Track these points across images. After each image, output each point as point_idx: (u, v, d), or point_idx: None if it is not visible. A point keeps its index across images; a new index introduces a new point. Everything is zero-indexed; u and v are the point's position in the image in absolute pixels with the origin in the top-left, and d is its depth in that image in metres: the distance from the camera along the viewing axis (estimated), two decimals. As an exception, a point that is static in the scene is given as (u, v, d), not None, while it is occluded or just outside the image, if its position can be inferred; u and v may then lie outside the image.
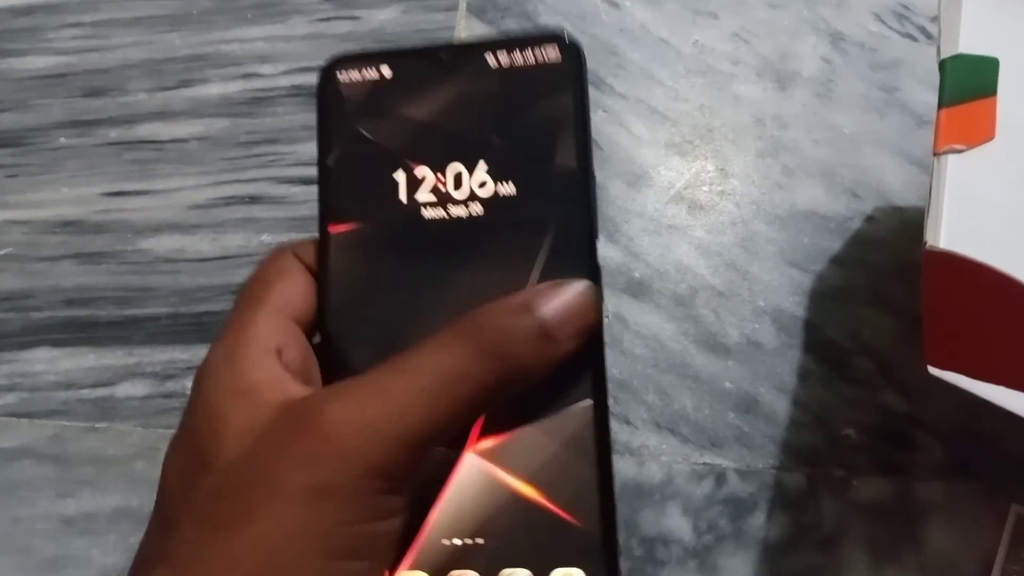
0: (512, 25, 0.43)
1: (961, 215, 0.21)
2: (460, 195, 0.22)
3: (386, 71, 0.24)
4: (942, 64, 0.23)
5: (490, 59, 0.23)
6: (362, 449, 0.18)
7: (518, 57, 0.23)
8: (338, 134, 0.24)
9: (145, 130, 0.44)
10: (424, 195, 0.23)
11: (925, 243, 0.21)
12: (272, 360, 0.20)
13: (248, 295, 0.22)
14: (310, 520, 0.18)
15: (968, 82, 0.22)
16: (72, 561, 0.37)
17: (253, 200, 0.42)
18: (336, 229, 0.23)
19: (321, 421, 0.18)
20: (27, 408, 0.39)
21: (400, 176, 0.23)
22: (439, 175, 0.23)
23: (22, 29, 0.46)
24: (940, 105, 0.22)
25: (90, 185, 0.43)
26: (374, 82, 0.24)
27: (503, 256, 0.22)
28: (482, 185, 0.22)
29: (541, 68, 0.23)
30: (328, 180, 0.23)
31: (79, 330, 0.40)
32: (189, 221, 0.42)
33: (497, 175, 0.22)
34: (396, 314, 0.22)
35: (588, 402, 0.21)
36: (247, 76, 0.44)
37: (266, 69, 0.44)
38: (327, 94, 0.24)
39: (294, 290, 0.22)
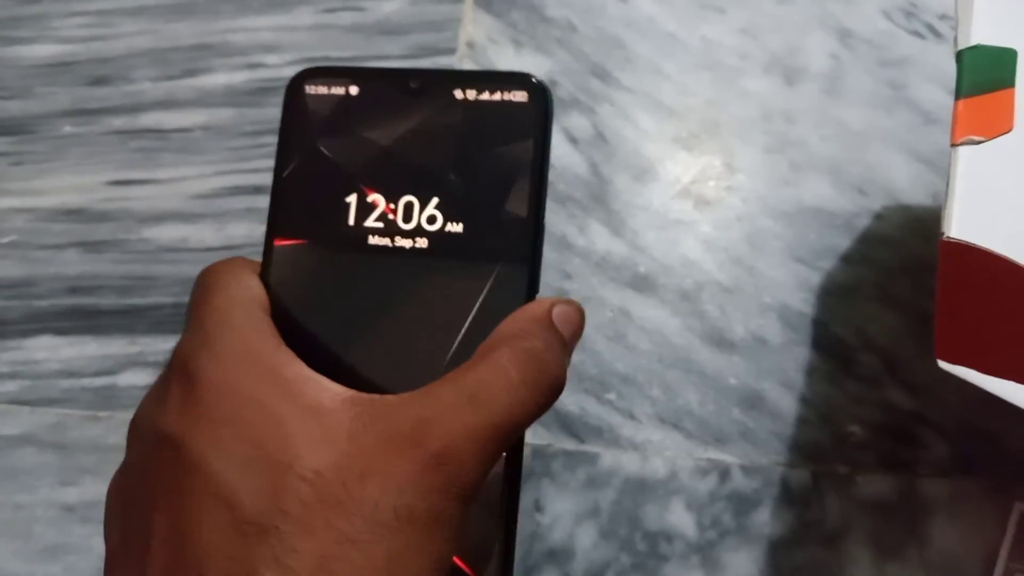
0: (519, 17, 0.43)
1: (977, 206, 0.21)
2: (408, 227, 0.22)
3: (354, 90, 0.23)
4: (959, 55, 0.22)
5: (458, 93, 0.23)
6: (463, 468, 0.18)
7: (485, 95, 0.23)
8: (298, 147, 0.23)
9: (150, 119, 0.44)
10: (372, 222, 0.23)
11: (942, 233, 0.21)
12: (289, 351, 0.20)
13: (219, 294, 0.21)
14: (421, 546, 0.17)
15: (986, 73, 0.22)
16: (72, 549, 0.37)
17: (257, 190, 0.42)
18: (280, 243, 0.23)
19: (429, 439, 0.18)
20: (29, 396, 0.39)
21: (352, 199, 0.23)
22: (390, 204, 0.23)
23: (28, 17, 0.46)
24: (957, 96, 0.22)
25: (94, 173, 0.43)
26: (340, 99, 0.23)
27: (440, 293, 0.22)
28: (431, 220, 0.22)
29: (507, 108, 0.23)
30: (280, 192, 0.23)
31: (82, 318, 0.40)
32: (193, 211, 0.42)
33: (447, 213, 0.22)
34: (329, 334, 0.22)
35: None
36: (252, 66, 0.44)
37: (271, 59, 0.44)
38: (292, 105, 0.24)
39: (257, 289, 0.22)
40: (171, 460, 0.18)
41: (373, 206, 0.23)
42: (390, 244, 0.22)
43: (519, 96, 0.23)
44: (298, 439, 0.18)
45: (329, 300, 0.23)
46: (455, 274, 0.22)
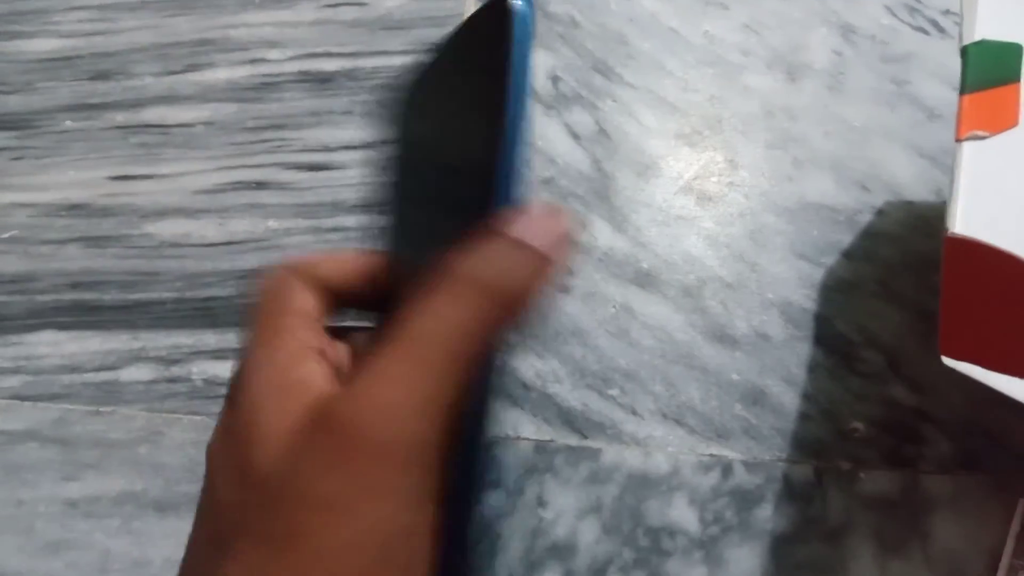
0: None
1: (982, 202, 0.21)
2: None
3: None
4: (964, 50, 0.22)
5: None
6: (389, 443, 0.18)
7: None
8: None
9: (151, 114, 0.44)
10: None
11: (946, 229, 0.21)
12: (314, 358, 0.20)
13: (266, 308, 0.21)
14: (361, 527, 0.17)
15: (991, 68, 0.22)
16: (75, 544, 0.37)
17: (260, 186, 0.42)
18: None
19: (342, 422, 0.18)
20: (31, 391, 0.39)
21: None
22: None
23: (29, 11, 0.46)
24: (962, 91, 0.22)
25: (96, 168, 0.43)
26: None
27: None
28: None
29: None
30: None
31: (84, 313, 0.40)
32: (195, 206, 0.42)
33: None
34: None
35: None
36: (254, 61, 0.44)
37: (273, 54, 0.44)
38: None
39: (310, 300, 0.22)
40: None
41: None
42: None
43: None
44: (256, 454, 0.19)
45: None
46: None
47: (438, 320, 0.18)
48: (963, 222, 0.22)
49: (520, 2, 0.21)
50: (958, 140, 0.22)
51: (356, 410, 0.18)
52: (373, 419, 0.18)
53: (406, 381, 0.18)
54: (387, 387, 0.18)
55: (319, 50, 0.44)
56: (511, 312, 0.19)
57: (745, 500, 0.35)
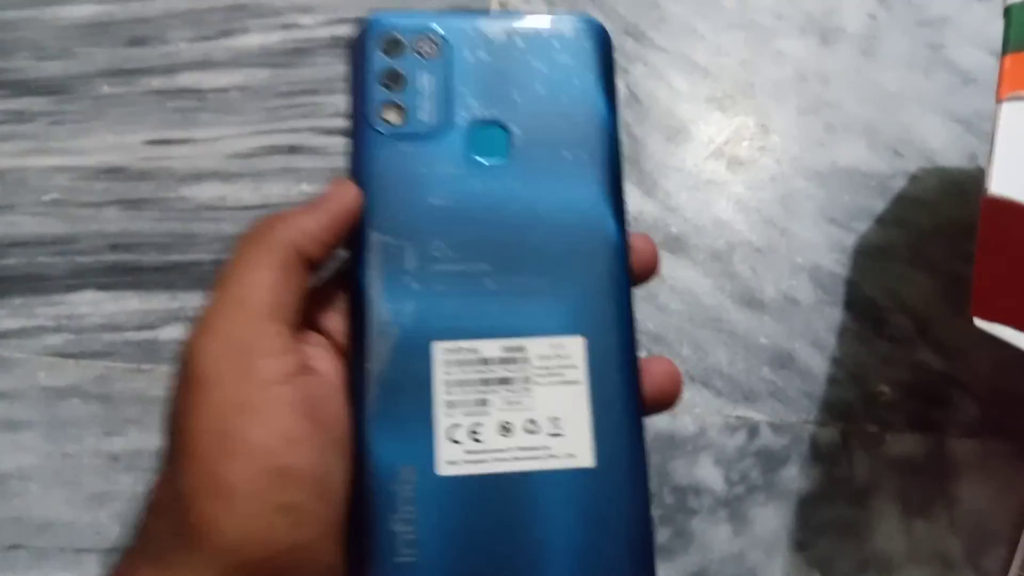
0: (553, -23, 0.43)
1: (1021, 163, 0.21)
2: None
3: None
4: (1008, 10, 0.22)
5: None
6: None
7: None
8: None
9: (187, 79, 0.44)
10: None
11: (984, 190, 0.21)
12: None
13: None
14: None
15: (1033, 26, 0.22)
16: (119, 496, 0.38)
17: (293, 150, 0.42)
18: None
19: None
20: (74, 349, 0.40)
21: None
22: None
23: (66, -23, 0.46)
24: (1004, 52, 0.22)
25: (133, 133, 0.43)
26: None
27: None
28: None
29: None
30: None
31: (124, 274, 0.41)
32: (230, 170, 0.42)
33: None
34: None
35: None
36: (287, 27, 0.44)
37: (306, 20, 0.44)
38: None
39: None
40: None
41: None
42: None
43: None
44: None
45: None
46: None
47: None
48: (1000, 183, 0.22)
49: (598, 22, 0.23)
50: (999, 101, 0.22)
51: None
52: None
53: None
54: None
55: (351, 15, 0.44)
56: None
57: (771, 461, 0.35)
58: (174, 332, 0.40)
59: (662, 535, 0.35)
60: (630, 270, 0.24)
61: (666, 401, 0.24)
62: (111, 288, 0.41)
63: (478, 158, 0.24)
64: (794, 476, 0.35)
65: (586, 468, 0.22)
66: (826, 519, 0.35)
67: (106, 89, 0.44)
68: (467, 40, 0.24)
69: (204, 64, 0.44)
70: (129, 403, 0.39)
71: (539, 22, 0.24)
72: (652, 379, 0.24)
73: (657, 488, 0.36)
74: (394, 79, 0.24)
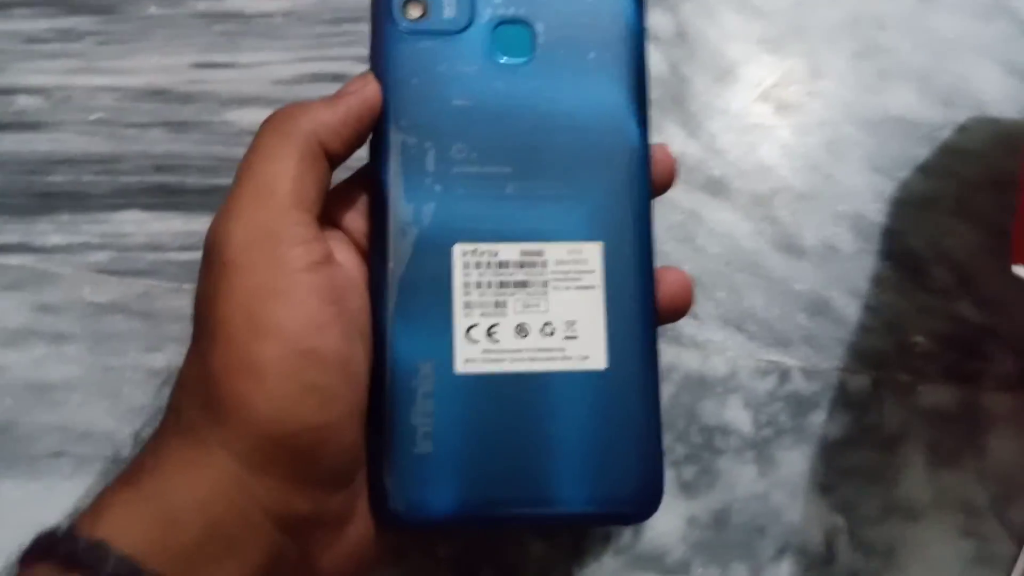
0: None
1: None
2: None
3: None
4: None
5: None
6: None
7: None
8: None
9: (233, 3, 0.44)
10: None
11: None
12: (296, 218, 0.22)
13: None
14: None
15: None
16: (158, 409, 0.39)
17: (336, 78, 0.42)
18: None
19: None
20: (118, 266, 0.41)
21: None
22: None
23: None
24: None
25: (179, 55, 0.44)
26: None
27: None
28: None
29: None
30: None
31: (167, 195, 0.42)
32: (274, 96, 0.42)
33: None
34: None
35: None
36: (334, -47, 0.44)
37: (353, -54, 0.44)
38: None
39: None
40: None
41: None
42: None
43: None
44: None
45: None
46: None
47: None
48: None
49: None
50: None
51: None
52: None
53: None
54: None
55: (398, -57, 0.44)
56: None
57: (800, 405, 0.36)
58: (215, 253, 0.41)
59: (687, 472, 0.35)
60: (650, 178, 0.24)
61: (678, 310, 0.25)
62: (155, 208, 0.42)
63: (501, 57, 0.24)
64: (823, 422, 0.35)
65: (599, 370, 0.23)
66: (852, 464, 0.35)
67: (153, 10, 0.44)
68: None
69: (250, -12, 0.44)
70: (170, 321, 0.40)
71: None
72: (665, 288, 0.24)
73: (685, 427, 0.36)
74: None
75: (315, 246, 0.22)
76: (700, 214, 0.38)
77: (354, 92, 0.24)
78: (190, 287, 0.42)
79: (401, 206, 0.23)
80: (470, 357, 0.22)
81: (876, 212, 0.37)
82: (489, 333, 0.23)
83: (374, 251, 0.23)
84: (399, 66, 0.24)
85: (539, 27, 0.24)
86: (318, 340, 0.21)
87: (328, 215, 0.24)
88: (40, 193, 0.42)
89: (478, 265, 0.23)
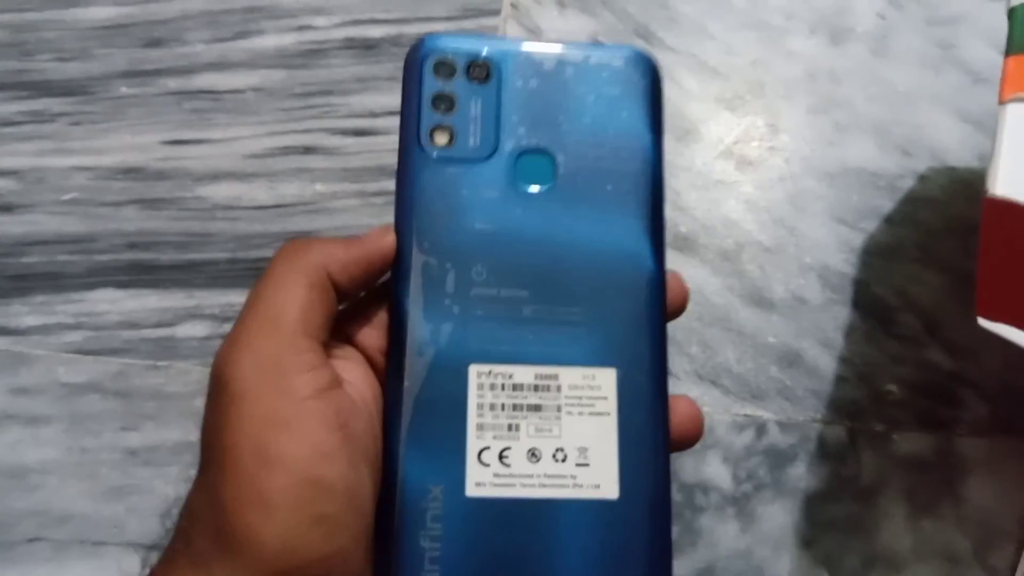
0: (564, -22, 0.43)
1: (1023, 164, 0.21)
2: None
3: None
4: (1012, 11, 0.22)
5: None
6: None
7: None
8: None
9: (203, 80, 0.45)
10: None
11: (986, 191, 0.22)
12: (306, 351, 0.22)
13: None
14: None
15: (1036, 29, 0.22)
16: (136, 489, 0.39)
17: (308, 150, 0.43)
18: None
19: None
20: (93, 346, 0.41)
21: None
22: None
23: (85, -21, 0.47)
24: (1008, 53, 0.22)
25: (151, 133, 0.44)
26: None
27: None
28: None
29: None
30: None
31: (141, 272, 0.42)
32: (246, 170, 0.43)
33: None
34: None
35: None
36: (301, 28, 0.45)
37: (320, 21, 0.45)
38: None
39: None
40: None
41: None
42: None
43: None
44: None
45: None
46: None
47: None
48: (1003, 183, 0.22)
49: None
50: (1001, 102, 0.22)
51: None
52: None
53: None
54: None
55: (365, 17, 0.45)
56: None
57: (778, 459, 0.36)
58: (191, 329, 0.41)
59: (670, 532, 0.35)
60: (664, 307, 0.24)
61: (687, 441, 0.25)
62: (129, 286, 0.42)
63: (523, 185, 0.24)
64: (801, 474, 0.35)
65: (610, 500, 0.22)
66: (833, 517, 0.35)
67: (124, 90, 0.45)
68: (518, 66, 0.25)
69: (220, 65, 0.45)
70: (146, 399, 0.40)
71: (590, 52, 0.25)
72: (675, 419, 0.24)
73: (665, 485, 0.36)
74: (445, 102, 0.24)
75: (321, 372, 0.22)
76: (669, 271, 0.38)
77: (371, 238, 0.24)
78: (165, 364, 0.42)
79: (419, 325, 0.23)
80: (481, 481, 0.22)
81: (842, 262, 0.38)
82: (501, 457, 0.23)
83: (390, 368, 0.23)
84: (424, 190, 0.24)
85: (560, 157, 0.24)
86: (325, 469, 0.21)
87: (341, 330, 0.24)
88: (14, 275, 0.42)
89: (493, 387, 0.23)
